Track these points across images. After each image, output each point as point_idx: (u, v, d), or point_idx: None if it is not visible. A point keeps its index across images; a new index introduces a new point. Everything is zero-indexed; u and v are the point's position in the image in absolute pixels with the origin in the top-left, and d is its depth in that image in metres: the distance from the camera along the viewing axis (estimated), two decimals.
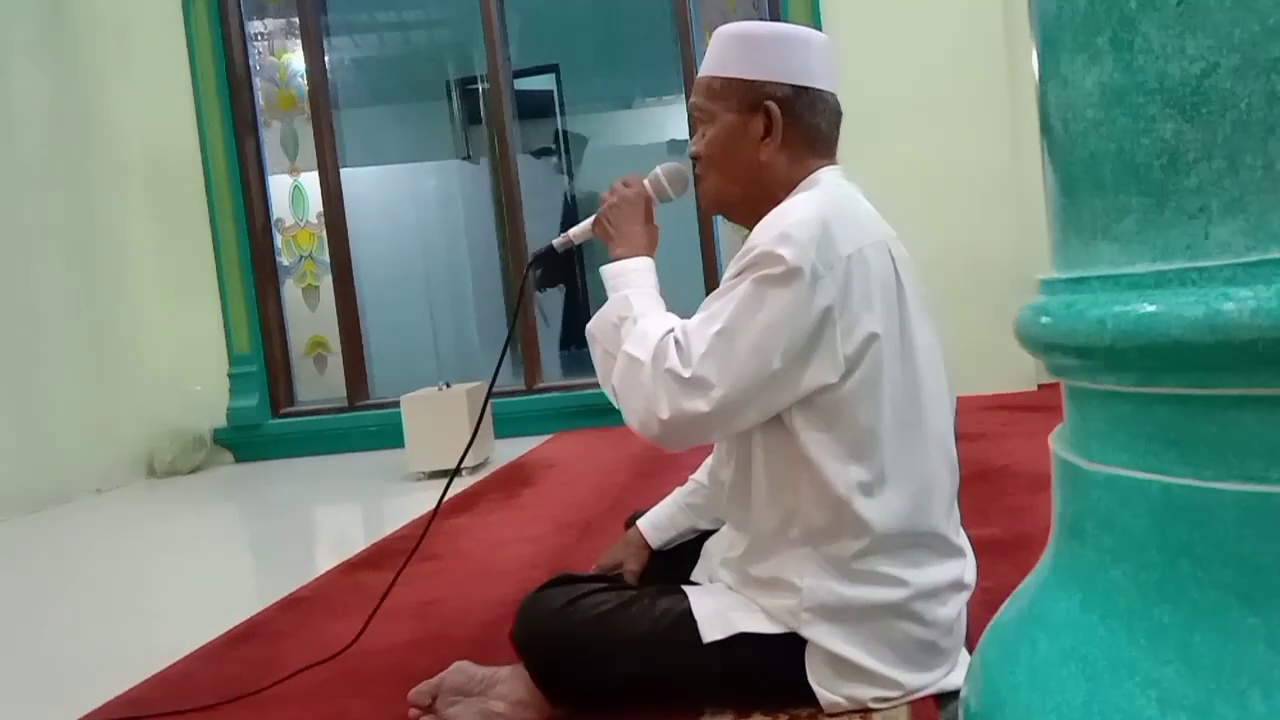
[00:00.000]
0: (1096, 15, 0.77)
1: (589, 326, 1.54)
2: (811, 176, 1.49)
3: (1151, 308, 0.71)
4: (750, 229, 1.54)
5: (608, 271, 1.56)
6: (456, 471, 1.78)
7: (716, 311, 1.36)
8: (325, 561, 2.81)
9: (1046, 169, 0.87)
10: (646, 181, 1.63)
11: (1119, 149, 0.76)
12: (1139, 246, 0.74)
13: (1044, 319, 0.82)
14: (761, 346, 1.32)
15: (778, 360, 1.33)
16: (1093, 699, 0.74)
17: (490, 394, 1.79)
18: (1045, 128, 0.86)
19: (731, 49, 1.50)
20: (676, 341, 1.37)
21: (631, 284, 1.53)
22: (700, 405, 1.34)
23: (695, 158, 1.56)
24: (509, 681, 1.53)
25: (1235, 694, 0.67)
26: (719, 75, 1.51)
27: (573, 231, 1.68)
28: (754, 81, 1.47)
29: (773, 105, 1.46)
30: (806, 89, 1.47)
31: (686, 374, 1.34)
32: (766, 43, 1.48)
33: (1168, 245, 0.73)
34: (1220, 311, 0.67)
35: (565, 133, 8.47)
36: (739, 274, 1.37)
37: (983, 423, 3.83)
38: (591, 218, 1.66)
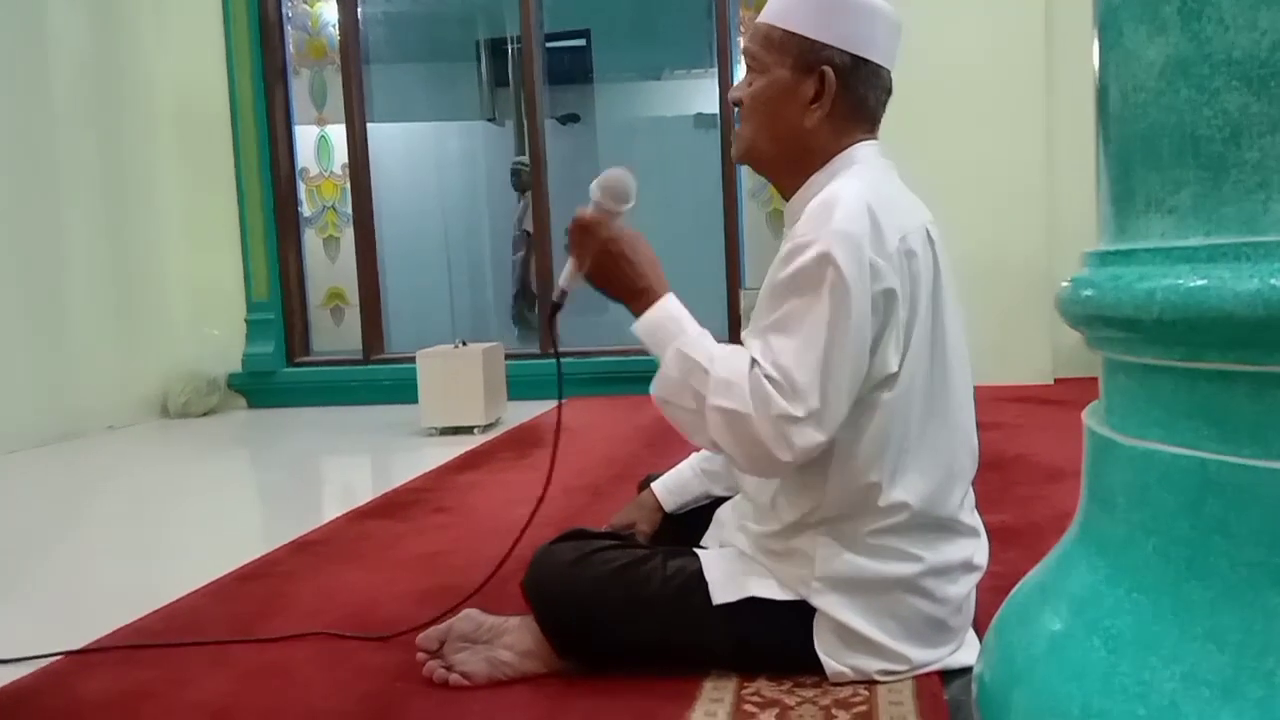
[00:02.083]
0: None
1: (654, 393, 1.43)
2: (849, 151, 1.46)
3: (1202, 281, 0.70)
4: (776, 185, 1.53)
5: (639, 332, 1.45)
6: (541, 500, 1.63)
7: (808, 337, 1.30)
8: (334, 509, 2.82)
9: (1100, 142, 0.86)
10: (592, 212, 1.47)
11: (1179, 121, 0.74)
12: (1193, 220, 0.73)
13: (1088, 290, 0.81)
14: (853, 356, 1.32)
15: (864, 361, 1.33)
16: (1114, 671, 0.74)
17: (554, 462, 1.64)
18: (1102, 99, 0.85)
19: (800, 2, 1.44)
20: (771, 380, 1.30)
21: (671, 334, 1.42)
22: (817, 435, 1.30)
23: (737, 103, 1.51)
24: (517, 631, 1.54)
25: (1262, 673, 0.67)
26: (780, 26, 1.45)
27: (563, 281, 1.52)
28: (815, 42, 1.43)
29: (829, 71, 1.42)
30: (866, 61, 1.44)
31: (801, 413, 1.29)
32: (838, 4, 1.43)
33: (1224, 219, 0.72)
34: (1274, 286, 0.66)
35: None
36: (795, 278, 1.32)
37: (999, 413, 3.82)
38: (574, 263, 1.50)
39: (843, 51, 1.43)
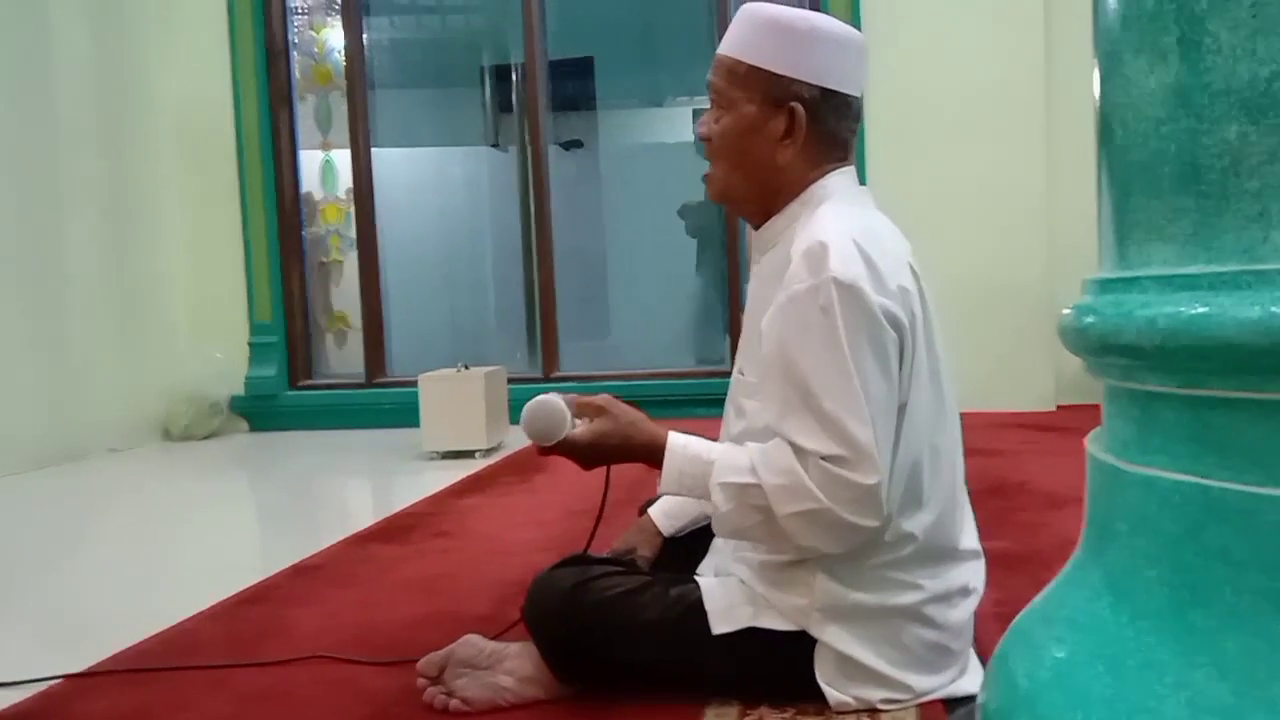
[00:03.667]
0: (1164, 15, 0.76)
1: (721, 534, 1.43)
2: (823, 181, 1.45)
3: (1204, 309, 0.71)
4: (748, 217, 1.53)
5: (670, 487, 1.42)
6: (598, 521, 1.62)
7: (845, 397, 1.28)
8: (335, 533, 2.81)
9: (1101, 170, 0.87)
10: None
11: (1180, 150, 0.75)
12: (1194, 248, 0.74)
13: (1090, 317, 0.82)
14: (890, 397, 1.32)
15: (896, 399, 1.33)
16: (1119, 699, 0.73)
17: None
18: (1103, 128, 0.86)
19: (764, 35, 1.41)
20: (834, 459, 1.28)
21: (698, 475, 1.38)
22: (882, 484, 1.29)
23: (704, 139, 1.49)
24: (517, 657, 1.53)
25: (1267, 700, 0.67)
26: (745, 61, 1.42)
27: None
28: (783, 77, 1.40)
29: (798, 107, 1.40)
30: (835, 92, 1.42)
31: (875, 479, 1.27)
32: (803, 37, 1.40)
33: (1224, 248, 0.72)
34: (1275, 314, 0.67)
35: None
36: (805, 337, 1.31)
37: (1001, 440, 3.81)
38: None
39: (811, 85, 1.41)
